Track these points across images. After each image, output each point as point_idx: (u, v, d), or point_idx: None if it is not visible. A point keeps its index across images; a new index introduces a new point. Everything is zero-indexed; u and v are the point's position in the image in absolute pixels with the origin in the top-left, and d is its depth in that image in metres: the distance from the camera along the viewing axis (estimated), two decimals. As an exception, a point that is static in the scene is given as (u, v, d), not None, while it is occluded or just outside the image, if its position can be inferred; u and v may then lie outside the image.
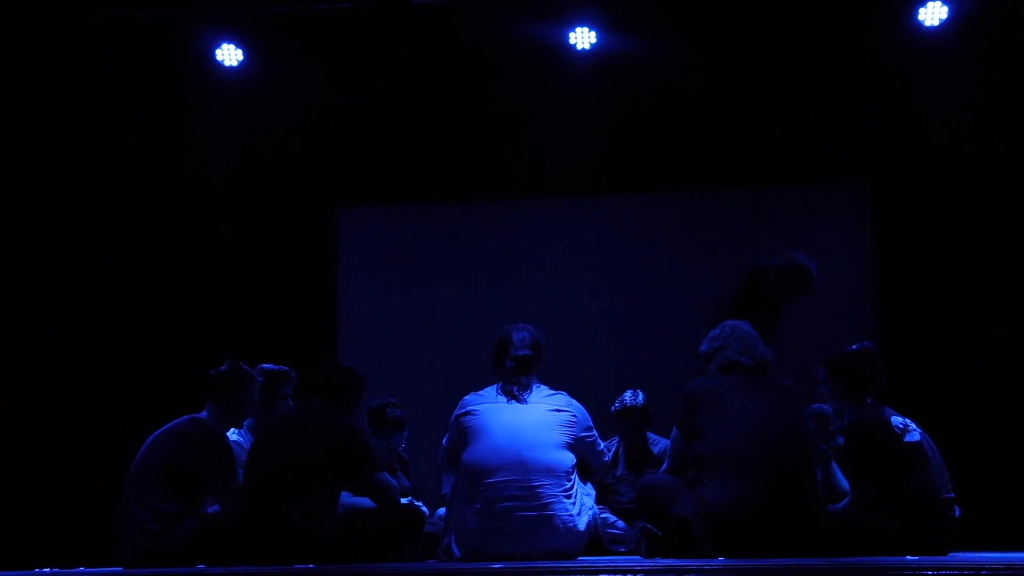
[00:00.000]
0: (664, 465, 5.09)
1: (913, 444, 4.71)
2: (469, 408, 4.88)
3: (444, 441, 5.03)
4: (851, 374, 4.92)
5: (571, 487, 4.71)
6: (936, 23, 7.58)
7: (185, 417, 5.16)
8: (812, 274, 6.24)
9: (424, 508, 5.62)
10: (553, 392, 4.92)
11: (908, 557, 4.32)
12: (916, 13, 7.59)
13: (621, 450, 6.48)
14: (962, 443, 6.11)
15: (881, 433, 4.72)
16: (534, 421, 4.76)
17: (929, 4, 7.54)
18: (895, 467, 4.66)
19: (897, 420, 4.79)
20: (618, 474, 6.35)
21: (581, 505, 4.74)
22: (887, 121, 7.93)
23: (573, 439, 4.82)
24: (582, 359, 7.75)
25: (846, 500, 4.86)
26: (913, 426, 4.78)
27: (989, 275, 7.64)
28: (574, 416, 4.86)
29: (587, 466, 5.00)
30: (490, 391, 4.92)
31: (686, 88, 8.06)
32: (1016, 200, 7.65)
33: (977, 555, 4.92)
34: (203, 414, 5.17)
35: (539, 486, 4.63)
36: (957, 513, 4.77)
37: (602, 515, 5.79)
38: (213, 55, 8.02)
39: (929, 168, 7.83)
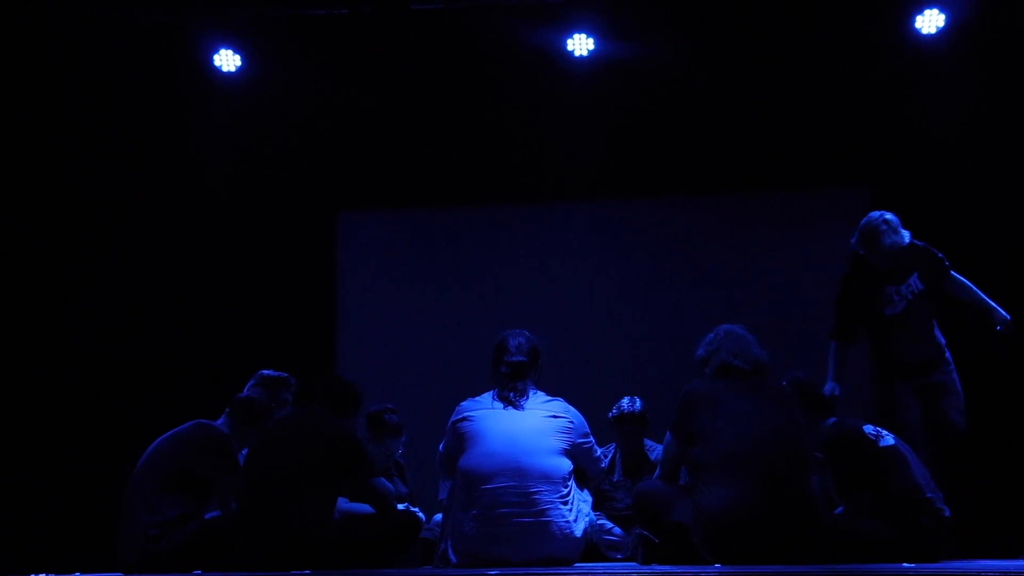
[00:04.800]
0: (657, 471, 5.09)
1: (889, 448, 4.76)
2: (466, 414, 4.88)
3: (441, 447, 5.04)
4: (808, 399, 4.99)
5: (568, 493, 4.72)
6: (933, 31, 7.64)
7: (190, 423, 5.19)
8: (878, 218, 5.91)
9: (421, 514, 5.63)
10: (550, 398, 4.93)
11: (904, 564, 4.34)
12: (914, 21, 7.65)
13: (618, 456, 6.48)
14: (959, 448, 6.10)
15: (858, 440, 4.79)
16: (531, 427, 4.76)
17: (926, 12, 7.60)
18: (879, 471, 4.71)
19: (869, 428, 4.85)
20: (615, 480, 6.36)
21: (578, 511, 4.74)
22: (889, 126, 7.95)
23: (570, 445, 4.82)
24: (582, 365, 7.76)
25: (840, 508, 4.89)
26: (885, 432, 4.85)
27: (989, 279, 7.64)
28: (571, 422, 4.86)
29: (584, 472, 5.01)
30: (486, 397, 4.92)
31: (686, 94, 8.09)
32: (1016, 204, 7.67)
33: (971, 563, 4.94)
34: (219, 421, 5.22)
35: (536, 492, 4.63)
36: (947, 512, 4.80)
37: (599, 521, 5.80)
38: (211, 61, 8.04)
39: (930, 172, 7.85)
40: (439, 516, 5.41)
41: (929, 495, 4.75)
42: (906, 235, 5.92)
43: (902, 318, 5.90)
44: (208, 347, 7.92)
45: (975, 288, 6.02)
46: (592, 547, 5.40)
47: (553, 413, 4.85)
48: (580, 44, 7.90)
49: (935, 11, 7.60)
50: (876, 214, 5.93)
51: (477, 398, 4.94)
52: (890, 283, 5.93)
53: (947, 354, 5.94)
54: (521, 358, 4.94)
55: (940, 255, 6.02)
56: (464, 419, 4.86)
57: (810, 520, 4.45)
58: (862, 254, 6.00)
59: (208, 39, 8.00)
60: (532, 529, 4.60)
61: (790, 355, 6.17)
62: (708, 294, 8.03)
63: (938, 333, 5.99)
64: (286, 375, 5.79)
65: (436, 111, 8.25)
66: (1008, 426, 7.41)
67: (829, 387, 5.91)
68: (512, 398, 4.85)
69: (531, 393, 4.90)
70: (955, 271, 6.03)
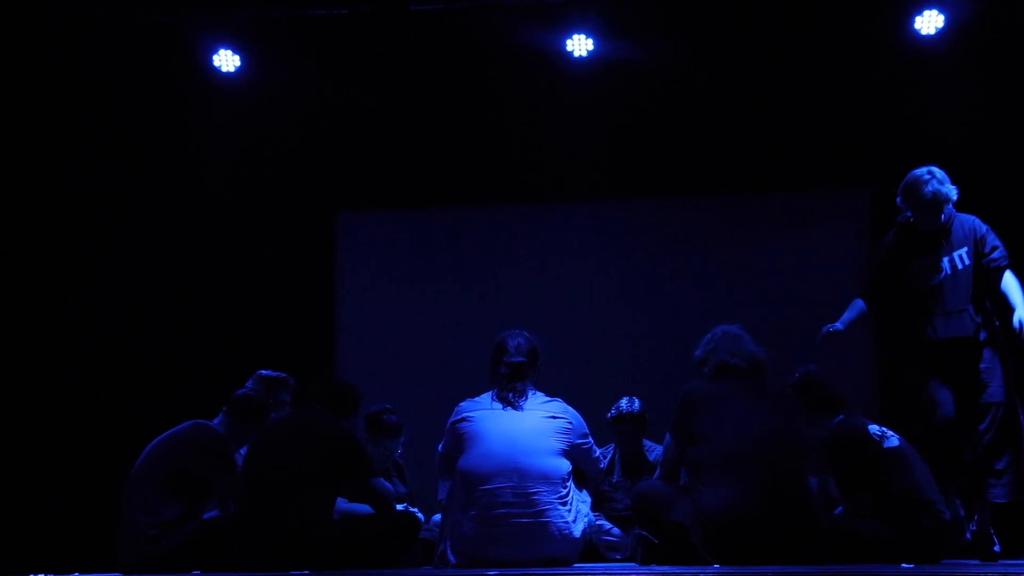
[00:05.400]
0: (657, 471, 5.09)
1: (894, 449, 4.76)
2: (465, 415, 4.88)
3: (440, 447, 5.04)
4: (803, 397, 4.97)
5: (567, 494, 4.72)
6: (933, 31, 7.65)
7: (187, 423, 5.19)
8: (923, 170, 5.41)
9: (420, 514, 5.63)
10: (549, 399, 4.93)
11: (904, 564, 4.34)
12: (913, 21, 7.67)
13: (617, 457, 6.48)
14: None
15: (861, 441, 4.78)
16: (530, 428, 4.77)
17: (926, 13, 7.61)
18: (881, 472, 4.71)
19: (874, 428, 4.85)
20: (614, 481, 6.36)
21: (577, 512, 4.75)
22: (889, 126, 7.94)
23: (569, 446, 4.82)
24: (582, 365, 7.75)
25: (839, 509, 4.89)
26: (891, 433, 4.83)
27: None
28: (570, 423, 4.87)
29: (583, 473, 5.01)
30: (485, 398, 4.92)
31: (686, 94, 8.09)
32: (1017, 204, 7.67)
33: (971, 562, 4.94)
34: (215, 421, 5.22)
35: (535, 493, 4.63)
36: (947, 515, 4.80)
37: (598, 522, 5.80)
38: (211, 61, 8.05)
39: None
40: (438, 516, 5.41)
41: (931, 497, 4.76)
42: (953, 190, 5.39)
43: (939, 291, 5.36)
44: (208, 347, 7.92)
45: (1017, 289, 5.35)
46: (591, 547, 5.40)
47: (552, 414, 4.85)
48: (580, 44, 7.89)
49: (934, 12, 7.61)
50: (919, 169, 5.44)
51: (476, 398, 4.95)
52: (934, 252, 5.41)
53: (984, 334, 5.32)
54: (520, 359, 4.94)
55: (998, 244, 5.41)
56: (463, 420, 4.87)
57: (809, 520, 4.46)
58: (907, 216, 5.47)
59: (208, 39, 8.00)
60: (531, 529, 4.60)
61: (790, 355, 6.14)
62: (708, 294, 8.03)
63: (983, 310, 5.38)
64: (285, 375, 5.80)
65: (436, 111, 8.25)
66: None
67: (829, 326, 5.51)
68: (511, 399, 4.85)
69: (530, 393, 4.91)
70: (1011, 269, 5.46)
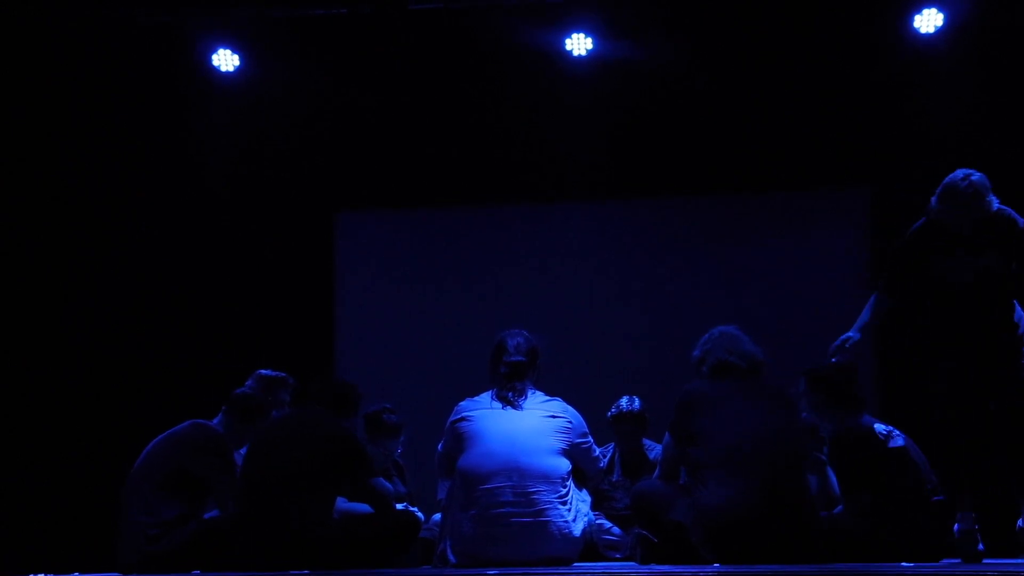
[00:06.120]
0: (656, 471, 5.09)
1: (898, 449, 4.75)
2: (464, 414, 4.88)
3: (440, 447, 5.04)
4: (832, 386, 4.95)
5: (566, 493, 4.72)
6: (932, 30, 7.66)
7: (186, 422, 5.19)
8: (961, 177, 4.98)
9: (420, 514, 5.63)
10: (548, 398, 4.93)
11: (904, 564, 4.34)
12: (912, 20, 7.67)
13: (617, 456, 6.48)
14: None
15: (865, 439, 4.78)
16: (529, 427, 4.77)
17: (925, 11, 7.62)
18: (883, 472, 4.71)
19: (880, 427, 4.84)
20: (614, 480, 6.36)
21: (576, 511, 4.75)
22: (889, 126, 7.94)
23: (568, 445, 4.83)
24: (582, 365, 7.75)
25: (839, 508, 4.89)
26: (897, 432, 4.82)
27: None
28: (569, 422, 4.87)
29: (582, 472, 5.01)
30: (485, 397, 4.93)
31: (686, 94, 8.09)
32: (1017, 205, 7.65)
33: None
34: (214, 421, 5.21)
35: (534, 492, 4.64)
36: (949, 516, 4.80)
37: (597, 521, 5.80)
38: (210, 61, 8.05)
39: (930, 172, 7.82)
40: (438, 516, 5.41)
41: (932, 498, 4.76)
42: (994, 201, 4.97)
43: (970, 290, 4.95)
44: (207, 347, 7.93)
45: None
46: (591, 547, 5.40)
47: (552, 413, 4.85)
48: (579, 44, 7.89)
49: (933, 10, 7.62)
50: (960, 172, 5.01)
51: (475, 398, 4.95)
52: (964, 249, 4.95)
53: (1020, 330, 4.97)
54: (520, 358, 4.94)
55: None
56: (462, 419, 4.87)
57: (809, 520, 4.46)
58: (939, 215, 5.01)
59: (208, 39, 8.01)
60: (531, 529, 4.60)
61: (790, 355, 6.13)
62: (708, 294, 8.03)
63: (1016, 313, 5.01)
64: (284, 375, 5.79)
65: (436, 111, 8.25)
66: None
67: (845, 336, 5.08)
68: (511, 398, 4.85)
69: (530, 393, 4.91)
70: None
